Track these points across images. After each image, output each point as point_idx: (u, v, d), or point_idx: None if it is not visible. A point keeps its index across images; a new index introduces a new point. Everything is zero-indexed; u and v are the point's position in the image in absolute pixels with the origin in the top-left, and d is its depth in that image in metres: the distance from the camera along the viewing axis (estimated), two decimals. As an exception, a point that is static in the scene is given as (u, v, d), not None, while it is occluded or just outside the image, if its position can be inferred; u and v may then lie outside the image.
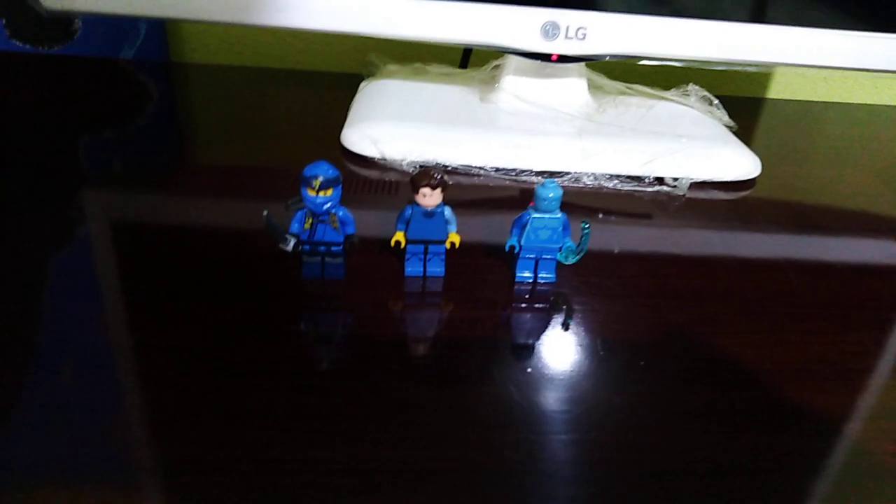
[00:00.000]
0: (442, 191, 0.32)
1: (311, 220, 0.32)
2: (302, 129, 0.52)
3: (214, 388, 0.27)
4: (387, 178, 0.45)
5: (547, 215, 0.33)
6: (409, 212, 0.33)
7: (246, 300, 0.32)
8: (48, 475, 0.23)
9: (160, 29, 0.65)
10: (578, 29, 0.47)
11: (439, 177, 0.32)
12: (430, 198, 0.32)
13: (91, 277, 0.33)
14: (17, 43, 0.61)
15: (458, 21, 0.47)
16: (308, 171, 0.30)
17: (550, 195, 0.32)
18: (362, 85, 0.56)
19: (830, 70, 0.62)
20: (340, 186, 0.31)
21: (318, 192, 0.30)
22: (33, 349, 0.28)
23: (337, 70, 0.68)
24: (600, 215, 0.43)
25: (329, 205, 0.31)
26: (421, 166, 0.45)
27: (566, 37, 0.48)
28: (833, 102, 0.74)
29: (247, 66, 0.68)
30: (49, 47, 0.62)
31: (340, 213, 0.32)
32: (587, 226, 0.33)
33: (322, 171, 0.30)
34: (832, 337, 0.33)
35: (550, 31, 0.47)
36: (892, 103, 0.76)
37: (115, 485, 0.23)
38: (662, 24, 0.48)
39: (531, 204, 0.34)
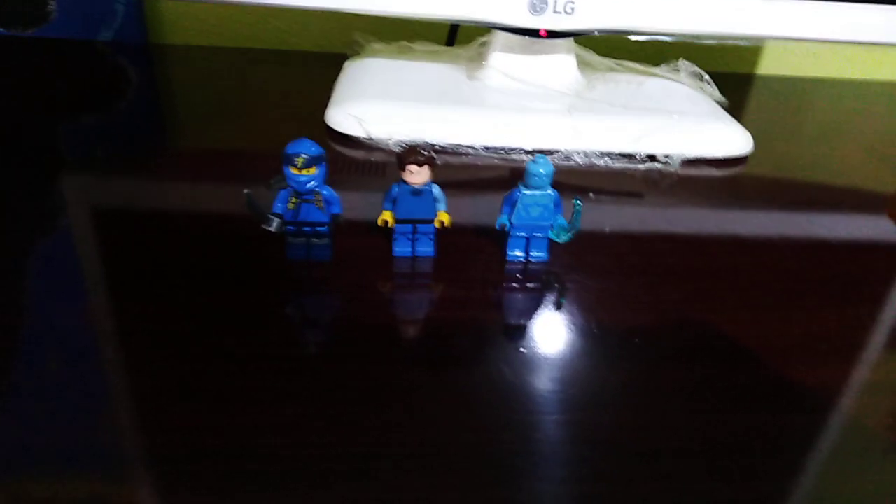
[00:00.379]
0: (430, 168, 0.31)
1: (294, 200, 0.31)
2: (285, 110, 0.51)
3: (200, 373, 0.26)
4: (373, 158, 0.44)
5: (538, 192, 0.32)
6: (395, 190, 0.32)
7: (230, 283, 0.31)
8: (34, 465, 0.22)
9: (138, 10, 0.63)
10: (567, 3, 0.46)
11: (426, 153, 0.31)
12: (417, 175, 0.31)
13: (73, 263, 0.32)
14: (-9, 26, 0.59)
15: (443, -4, 0.46)
16: (290, 148, 0.29)
17: (541, 171, 0.31)
18: (346, 64, 0.55)
19: (821, 44, 0.61)
20: (325, 164, 0.30)
21: (301, 170, 0.29)
22: (16, 337, 0.27)
23: (321, 50, 0.67)
24: (591, 195, 0.42)
25: (313, 183, 0.30)
26: (408, 144, 0.44)
27: (554, 11, 0.47)
28: (823, 78, 0.74)
29: (227, 46, 0.67)
30: (24, 30, 0.60)
31: (325, 192, 0.31)
32: (579, 203, 0.32)
33: (305, 149, 0.29)
34: (829, 312, 0.33)
35: (538, 5, 0.46)
36: (883, 79, 0.75)
37: (102, 472, 0.22)
38: (652, -2, 0.47)
39: (521, 182, 0.33)
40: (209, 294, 0.30)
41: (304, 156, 0.29)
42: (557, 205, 0.33)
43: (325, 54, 0.63)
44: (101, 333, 0.28)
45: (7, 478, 0.22)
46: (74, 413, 0.24)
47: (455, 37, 0.61)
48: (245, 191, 0.29)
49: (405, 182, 0.31)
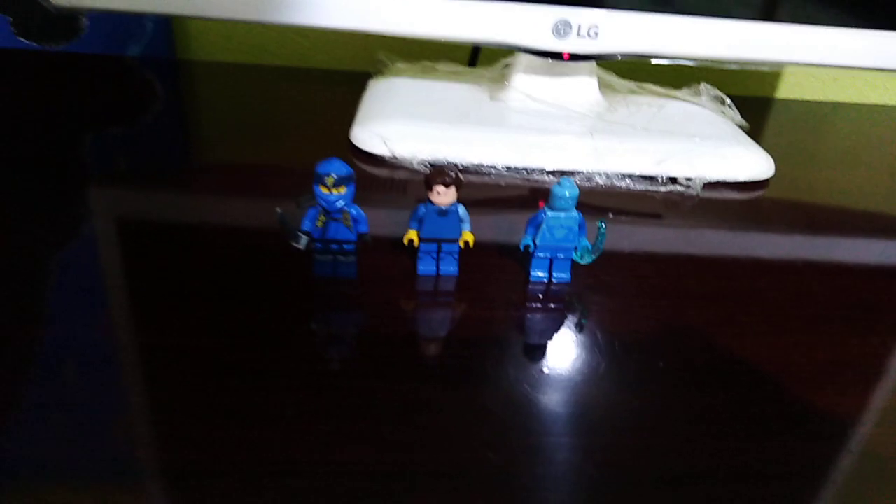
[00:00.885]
0: (456, 189, 0.32)
1: (323, 218, 0.31)
2: (310, 127, 0.52)
3: (224, 389, 0.26)
4: (397, 177, 0.45)
5: (563, 214, 0.33)
6: (422, 210, 0.32)
7: (256, 299, 0.31)
8: (52, 475, 0.22)
9: (167, 26, 0.65)
10: (590, 27, 0.47)
11: (454, 175, 0.31)
12: (444, 196, 0.31)
13: (97, 276, 0.32)
14: (24, 41, 0.61)
15: (468, 19, 0.46)
16: (321, 167, 0.30)
17: (567, 194, 0.32)
18: (371, 83, 0.55)
19: (841, 70, 0.61)
20: (353, 184, 0.31)
21: (331, 189, 0.30)
22: (38, 348, 0.28)
23: (344, 68, 0.68)
24: (610, 215, 0.42)
25: (342, 202, 0.31)
26: (433, 164, 0.45)
27: (578, 35, 0.47)
28: (844, 103, 0.74)
29: (253, 63, 0.68)
30: (55, 45, 0.62)
31: (353, 212, 0.31)
32: (604, 225, 0.33)
33: (335, 169, 0.30)
34: (852, 339, 0.33)
35: (562, 29, 0.47)
36: (903, 104, 0.75)
37: (122, 487, 0.22)
38: (674, 23, 0.47)
39: (541, 205, 0.33)
40: (234, 309, 0.31)
41: (334, 175, 0.30)
42: (582, 227, 0.33)
43: (348, 72, 0.64)
44: (124, 346, 0.28)
45: (22, 485, 0.22)
46: (93, 423, 0.24)
47: (477, 58, 0.61)
48: (277, 209, 0.30)
49: (431, 202, 0.32)
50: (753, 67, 0.50)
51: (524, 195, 0.44)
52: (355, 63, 0.68)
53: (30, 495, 0.22)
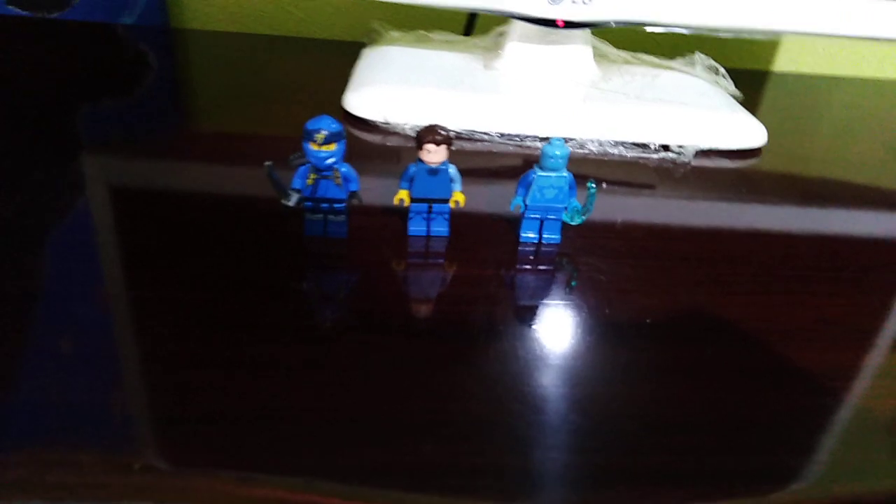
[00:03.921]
0: (447, 147, 0.32)
1: (313, 176, 0.31)
2: (303, 96, 0.52)
3: (216, 340, 0.26)
4: (389, 143, 0.45)
5: (553, 174, 0.33)
6: (412, 169, 0.32)
7: (248, 257, 0.32)
8: (50, 430, 0.23)
9: (160, -5, 0.64)
10: (585, -7, 0.47)
11: (444, 133, 0.31)
12: (434, 154, 0.31)
13: (91, 236, 0.32)
14: (15, 9, 0.60)
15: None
16: (311, 124, 0.30)
17: (557, 153, 0.32)
18: (364, 51, 0.55)
19: (837, 40, 0.61)
20: (344, 142, 0.31)
21: (321, 146, 0.30)
22: (35, 306, 0.28)
23: (338, 38, 0.68)
24: (603, 184, 0.42)
25: (332, 160, 0.31)
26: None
27: (572, 1, 0.47)
28: (839, 76, 0.74)
29: (247, 33, 0.68)
30: (47, 13, 0.61)
31: (343, 169, 0.31)
32: (593, 186, 0.33)
33: (325, 125, 0.30)
34: (841, 299, 0.33)
35: (556, -5, 0.47)
36: (899, 78, 0.75)
37: (118, 437, 0.22)
38: (669, -10, 0.47)
39: (537, 164, 0.33)
40: (226, 266, 0.31)
41: (324, 131, 0.30)
42: (572, 187, 0.33)
43: (343, 43, 0.64)
44: (117, 301, 0.28)
45: (25, 442, 0.22)
46: (89, 377, 0.25)
47: (473, 26, 0.61)
48: (266, 163, 0.30)
49: (422, 161, 0.32)
50: (748, 36, 0.50)
51: (516, 162, 0.44)
52: (349, 33, 0.68)
53: (26, 450, 0.22)
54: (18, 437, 0.22)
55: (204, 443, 0.22)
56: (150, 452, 0.22)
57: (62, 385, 0.24)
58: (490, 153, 0.45)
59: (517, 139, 0.46)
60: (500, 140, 0.46)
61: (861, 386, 0.28)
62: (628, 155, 0.46)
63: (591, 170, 0.44)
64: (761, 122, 0.50)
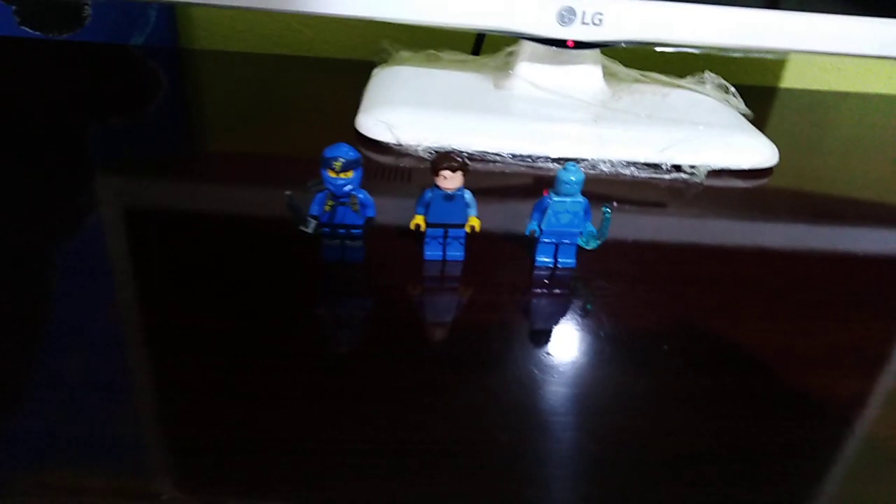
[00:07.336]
0: (463, 174, 0.32)
1: (331, 203, 0.31)
2: (315, 115, 0.52)
3: (233, 369, 0.27)
4: (402, 164, 0.45)
5: (568, 199, 0.33)
6: (428, 195, 0.33)
7: (265, 283, 0.32)
8: (62, 454, 0.23)
9: (170, 15, 0.65)
10: (595, 14, 0.47)
11: (460, 159, 0.32)
12: (450, 180, 0.32)
13: (105, 261, 0.32)
14: (27, 30, 0.61)
15: (472, 6, 0.46)
16: (329, 152, 0.30)
17: (572, 178, 0.32)
18: (375, 71, 0.55)
19: (845, 58, 0.61)
20: (361, 169, 0.31)
21: (338, 173, 0.30)
22: (48, 332, 0.28)
23: (348, 57, 0.68)
24: (614, 204, 0.42)
25: (350, 187, 0.31)
26: (439, 150, 0.45)
27: (582, 22, 0.47)
28: (847, 92, 0.74)
29: (257, 52, 0.68)
30: (59, 34, 0.62)
31: (361, 196, 0.32)
32: (608, 210, 0.33)
33: (343, 153, 0.30)
34: (855, 324, 0.33)
35: (566, 16, 0.47)
36: (906, 94, 0.75)
37: (130, 463, 0.23)
38: (678, 10, 0.47)
39: (545, 192, 0.33)
40: (242, 292, 0.31)
41: (342, 159, 0.30)
42: (587, 212, 0.33)
43: (352, 61, 0.64)
44: (132, 328, 0.28)
45: (35, 466, 0.22)
46: (104, 405, 0.25)
47: (481, 46, 0.61)
48: (287, 192, 0.30)
49: (438, 187, 0.32)
50: (757, 55, 0.50)
51: (529, 183, 0.44)
52: (359, 52, 0.68)
53: (39, 474, 0.22)
54: (29, 462, 0.22)
55: (217, 475, 0.22)
56: (162, 480, 0.22)
57: (70, 412, 0.24)
58: (502, 174, 0.45)
59: (529, 160, 0.46)
60: (512, 161, 0.46)
61: (876, 415, 0.28)
62: (640, 175, 0.46)
63: (603, 190, 0.44)
64: (771, 139, 0.51)
